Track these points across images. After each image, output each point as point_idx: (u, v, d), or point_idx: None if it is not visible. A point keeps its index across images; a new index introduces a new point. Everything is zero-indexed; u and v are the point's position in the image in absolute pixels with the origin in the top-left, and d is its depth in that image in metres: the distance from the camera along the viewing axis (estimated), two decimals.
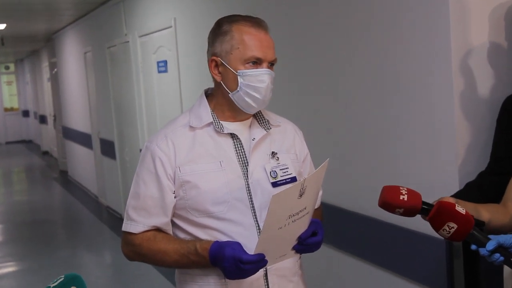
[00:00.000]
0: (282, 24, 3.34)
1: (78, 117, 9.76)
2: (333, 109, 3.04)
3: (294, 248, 1.71)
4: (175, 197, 1.77)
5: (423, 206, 1.61)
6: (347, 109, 2.93)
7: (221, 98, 1.81)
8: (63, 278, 1.26)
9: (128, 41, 6.55)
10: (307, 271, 1.96)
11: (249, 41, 1.73)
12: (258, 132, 1.82)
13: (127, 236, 1.82)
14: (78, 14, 8.39)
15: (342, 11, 2.89)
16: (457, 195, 2.02)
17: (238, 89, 1.75)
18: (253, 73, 1.73)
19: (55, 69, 11.57)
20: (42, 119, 14.99)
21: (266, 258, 1.63)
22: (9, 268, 5.96)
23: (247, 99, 1.75)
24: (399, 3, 2.50)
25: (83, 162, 9.80)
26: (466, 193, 2.07)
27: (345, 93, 2.94)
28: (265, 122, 1.85)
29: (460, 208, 1.54)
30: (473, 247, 1.55)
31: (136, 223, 1.79)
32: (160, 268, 5.16)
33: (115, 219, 7.56)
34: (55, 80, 11.72)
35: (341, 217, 2.96)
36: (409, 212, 1.62)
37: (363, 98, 2.80)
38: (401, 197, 1.60)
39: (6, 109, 19.18)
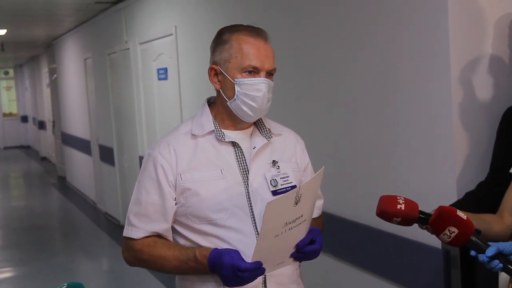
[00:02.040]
0: (281, 31, 3.35)
1: (77, 123, 9.73)
2: (332, 118, 3.04)
3: (292, 255, 1.72)
4: (176, 203, 1.78)
5: (420, 215, 1.63)
6: (346, 118, 2.93)
7: (221, 106, 1.83)
8: (65, 286, 1.28)
9: (128, 48, 6.55)
10: (305, 279, 1.97)
11: (247, 50, 1.75)
12: (259, 140, 1.83)
13: (127, 242, 1.83)
14: (79, 20, 8.38)
15: (341, 18, 2.90)
16: (456, 205, 2.02)
17: (235, 97, 1.76)
18: (250, 82, 1.75)
19: (55, 75, 11.54)
20: (41, 125, 14.94)
21: (263, 265, 1.63)
22: (6, 273, 5.94)
23: (244, 107, 1.76)
24: (399, 11, 2.51)
25: (81, 168, 9.77)
26: (465, 203, 2.08)
27: (344, 102, 2.93)
28: (266, 131, 1.87)
29: (461, 214, 1.56)
30: (473, 253, 1.56)
31: (137, 228, 1.80)
32: (158, 275, 5.15)
33: (113, 226, 7.55)
34: (55, 86, 11.69)
35: (339, 226, 2.96)
36: (406, 221, 1.64)
37: (361, 107, 2.80)
38: (398, 206, 1.62)
39: (4, 114, 19.14)
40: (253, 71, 1.75)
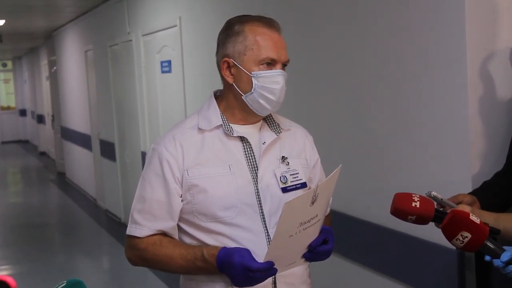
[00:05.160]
0: (290, 25, 3.28)
1: (78, 118, 9.79)
2: (344, 114, 3.02)
3: (304, 256, 1.70)
4: (182, 200, 1.76)
5: (436, 214, 1.63)
6: (357, 114, 2.91)
7: (232, 100, 1.80)
8: (65, 284, 1.27)
9: (131, 40, 6.52)
10: (314, 280, 1.94)
11: (263, 42, 1.73)
12: (269, 135, 1.81)
13: (131, 240, 1.80)
14: (79, 11, 8.40)
15: (354, 14, 2.87)
16: (473, 193, 2.02)
17: (252, 90, 1.74)
18: (268, 74, 1.73)
19: (55, 68, 11.59)
20: (40, 119, 15.02)
21: (275, 266, 1.62)
22: (4, 271, 5.90)
23: (261, 100, 1.74)
24: (414, 4, 2.48)
25: (81, 164, 9.81)
26: (483, 192, 2.06)
27: (356, 98, 2.91)
28: (276, 125, 1.84)
29: (475, 218, 1.55)
30: (487, 258, 1.55)
31: (142, 226, 1.77)
32: (160, 274, 5.14)
33: (114, 223, 7.58)
34: (54, 79, 11.74)
35: (350, 225, 2.94)
36: (421, 219, 1.63)
37: (375, 103, 2.77)
38: (413, 204, 1.62)
39: (2, 108, 19.26)
40: (270, 63, 1.74)
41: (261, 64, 1.73)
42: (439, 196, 1.67)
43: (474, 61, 2.23)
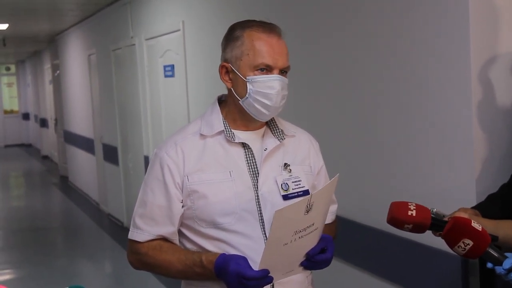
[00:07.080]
0: (293, 28, 3.26)
1: (81, 121, 9.77)
2: (345, 117, 3.01)
3: (302, 264, 1.69)
4: (182, 206, 1.75)
5: (433, 222, 1.61)
6: (359, 120, 2.89)
7: (232, 105, 1.79)
8: None
9: (134, 44, 6.52)
10: (316, 285, 1.92)
11: (260, 47, 1.72)
12: (271, 142, 1.79)
13: (133, 244, 1.81)
14: (83, 15, 8.39)
15: (356, 16, 2.85)
16: (478, 207, 1.99)
17: (247, 95, 1.73)
18: (262, 79, 1.71)
19: (58, 71, 11.58)
20: (43, 123, 15.00)
21: (271, 274, 1.61)
22: (6, 275, 5.90)
23: (257, 105, 1.73)
24: (418, 8, 2.46)
25: (84, 168, 9.79)
26: (487, 206, 2.02)
27: (358, 104, 2.89)
28: (279, 131, 1.82)
29: (476, 225, 1.54)
30: (489, 265, 1.54)
31: (142, 231, 1.78)
32: (162, 278, 5.12)
33: (116, 227, 7.56)
34: (57, 83, 11.73)
35: (353, 231, 2.91)
36: (418, 228, 1.62)
37: (376, 108, 2.75)
38: (410, 212, 1.61)
39: (5, 112, 19.19)
40: (266, 69, 1.72)
41: (256, 70, 1.71)
42: (441, 212, 1.66)
43: (478, 65, 2.21)
